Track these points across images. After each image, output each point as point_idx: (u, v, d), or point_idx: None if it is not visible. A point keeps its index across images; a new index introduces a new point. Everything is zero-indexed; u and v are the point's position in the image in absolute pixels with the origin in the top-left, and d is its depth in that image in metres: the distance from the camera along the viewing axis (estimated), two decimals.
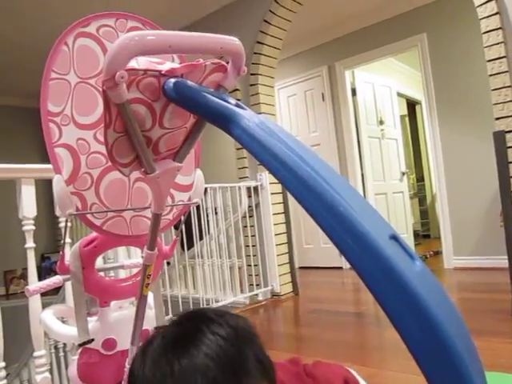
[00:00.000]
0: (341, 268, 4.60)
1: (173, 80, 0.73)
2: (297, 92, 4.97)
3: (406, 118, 6.88)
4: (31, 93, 4.27)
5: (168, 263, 3.66)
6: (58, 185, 0.93)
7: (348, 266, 4.60)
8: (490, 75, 2.52)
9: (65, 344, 2.56)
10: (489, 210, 3.78)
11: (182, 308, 3.06)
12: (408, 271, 0.60)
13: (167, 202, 1.02)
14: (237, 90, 3.52)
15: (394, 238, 0.66)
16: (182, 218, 1.12)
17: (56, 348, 2.68)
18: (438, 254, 4.59)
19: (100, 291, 1.13)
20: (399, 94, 5.53)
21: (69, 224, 1.03)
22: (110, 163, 1.00)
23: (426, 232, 6.40)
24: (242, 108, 0.75)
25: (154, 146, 0.81)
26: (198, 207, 3.16)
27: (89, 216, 0.98)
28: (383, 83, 5.01)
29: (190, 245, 3.34)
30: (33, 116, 3.25)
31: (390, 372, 1.84)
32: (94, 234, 1.10)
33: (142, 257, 0.96)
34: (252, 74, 3.50)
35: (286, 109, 5.06)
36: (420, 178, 6.87)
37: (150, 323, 1.21)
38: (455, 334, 0.58)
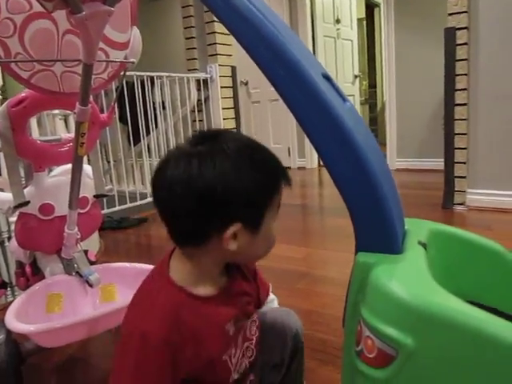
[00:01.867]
0: (289, 168, 4.70)
1: None
2: None
3: (364, 22, 6.71)
4: None
5: (115, 160, 3.59)
6: None
7: (296, 165, 4.71)
8: None
9: (10, 237, 2.53)
10: (434, 115, 3.90)
11: (128, 202, 3.06)
12: (339, 107, 0.61)
13: (100, 57, 0.97)
14: None
15: (327, 77, 0.65)
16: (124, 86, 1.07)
17: (2, 243, 2.65)
18: None
19: (34, 155, 1.09)
20: None
21: None
22: (34, 10, 0.92)
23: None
24: None
25: None
26: (144, 100, 3.04)
27: (14, 67, 0.91)
28: None
29: (137, 140, 3.26)
30: None
31: (325, 251, 2.00)
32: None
33: (75, 113, 0.92)
34: None
35: None
36: (372, 85, 6.89)
37: (88, 191, 1.20)
38: (377, 166, 0.61)
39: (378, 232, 0.59)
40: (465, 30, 2.43)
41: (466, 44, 2.44)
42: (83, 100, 0.90)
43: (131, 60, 1.02)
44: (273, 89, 0.63)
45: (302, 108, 0.61)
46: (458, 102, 2.52)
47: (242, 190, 0.57)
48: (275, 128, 4.71)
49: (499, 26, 2.36)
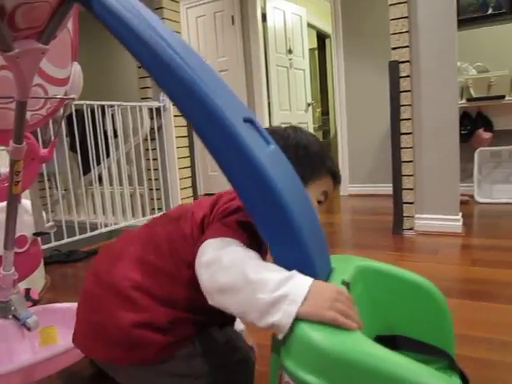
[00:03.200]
0: None
1: None
2: (206, 13, 4.74)
3: (316, 52, 6.94)
4: None
5: (65, 189, 3.49)
6: None
7: None
8: (390, 5, 2.58)
9: None
10: (383, 142, 4.04)
11: (78, 233, 2.95)
12: (259, 151, 0.61)
13: (38, 94, 0.94)
14: None
15: (250, 121, 0.66)
16: (62, 112, 1.04)
17: None
18: None
19: None
20: (310, 25, 5.52)
21: None
22: None
23: None
24: None
25: (9, 19, 0.71)
26: (94, 129, 2.98)
27: None
28: (294, 11, 4.94)
29: (88, 170, 3.18)
30: None
31: None
32: None
33: (8, 151, 0.89)
34: None
35: (195, 30, 4.83)
36: (325, 112, 7.08)
37: (27, 229, 1.15)
38: (297, 208, 0.62)
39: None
40: (407, 63, 2.56)
41: (408, 76, 2.56)
42: (17, 138, 0.87)
43: (71, 96, 1.00)
44: None
45: (223, 155, 0.62)
46: (403, 131, 2.63)
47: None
48: None
49: (437, 60, 2.50)
